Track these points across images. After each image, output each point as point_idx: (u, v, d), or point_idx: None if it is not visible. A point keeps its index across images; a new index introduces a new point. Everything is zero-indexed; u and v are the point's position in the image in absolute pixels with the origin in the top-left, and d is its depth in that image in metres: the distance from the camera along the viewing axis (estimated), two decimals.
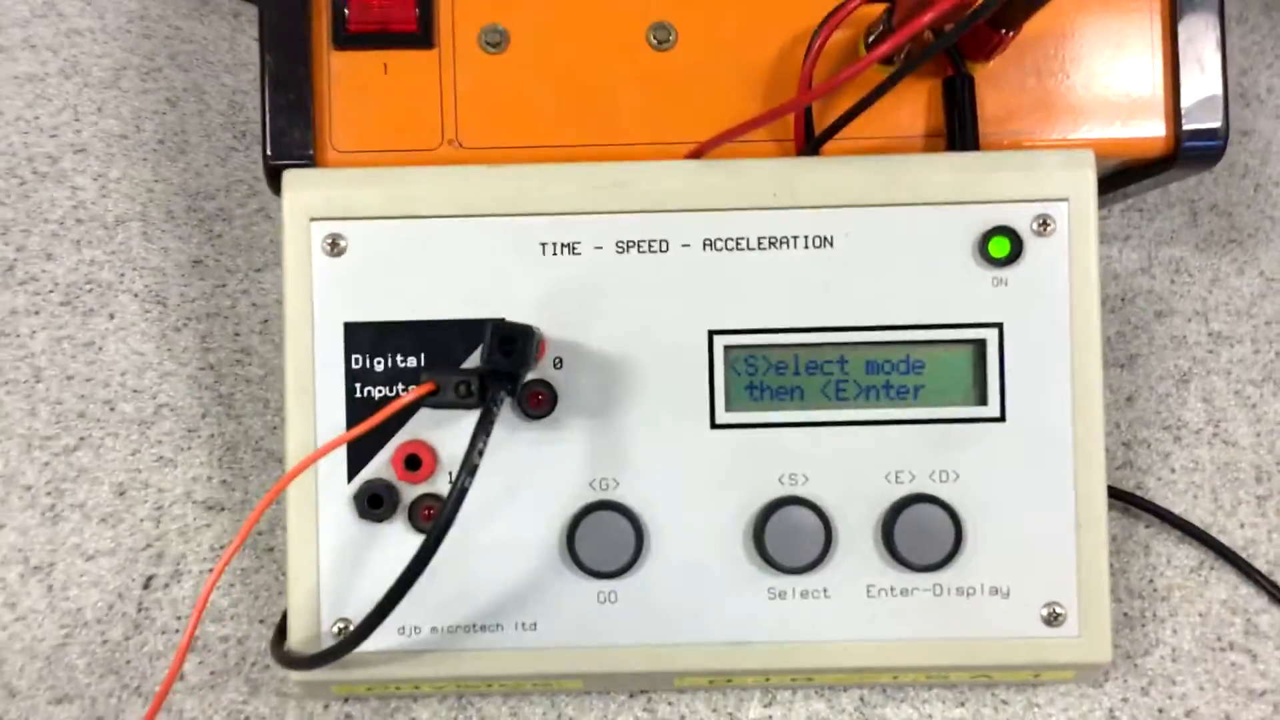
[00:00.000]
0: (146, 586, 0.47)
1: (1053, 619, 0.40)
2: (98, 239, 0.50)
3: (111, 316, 0.49)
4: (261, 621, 0.47)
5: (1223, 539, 0.49)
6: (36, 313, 0.49)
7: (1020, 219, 0.40)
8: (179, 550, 0.48)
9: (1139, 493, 0.49)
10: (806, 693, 0.46)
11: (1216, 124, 0.42)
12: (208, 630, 0.47)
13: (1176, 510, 0.49)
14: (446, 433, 0.40)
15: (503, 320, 0.36)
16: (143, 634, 0.47)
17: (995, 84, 0.44)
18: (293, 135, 0.42)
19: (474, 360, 0.40)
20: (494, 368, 0.35)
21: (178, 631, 0.47)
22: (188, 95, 0.51)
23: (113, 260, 0.49)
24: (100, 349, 0.49)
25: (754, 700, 0.46)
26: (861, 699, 0.46)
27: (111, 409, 0.49)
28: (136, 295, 0.49)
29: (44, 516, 0.48)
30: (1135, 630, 0.47)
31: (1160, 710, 0.47)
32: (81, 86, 0.50)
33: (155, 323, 0.49)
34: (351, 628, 0.40)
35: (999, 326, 0.40)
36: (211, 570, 0.47)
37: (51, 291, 0.49)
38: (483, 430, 0.34)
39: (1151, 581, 0.49)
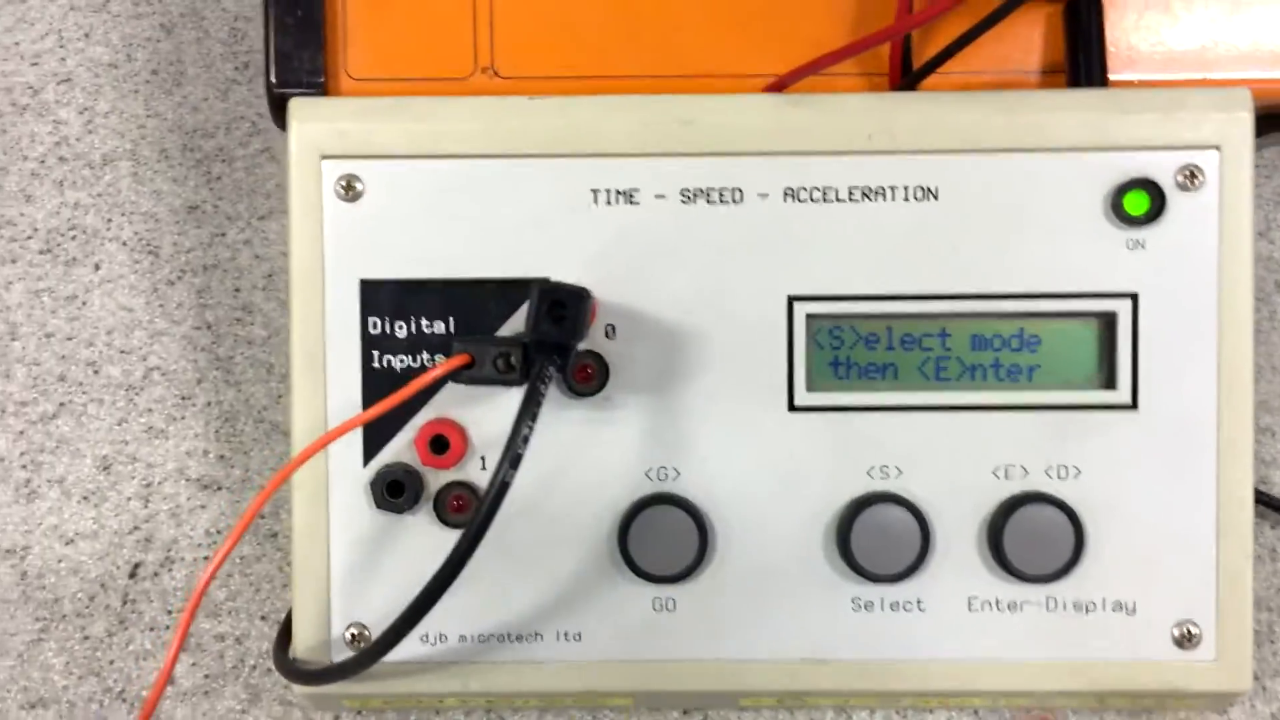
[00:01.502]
0: (133, 575, 0.43)
1: (1185, 640, 0.35)
2: (83, 180, 0.46)
3: (97, 267, 0.45)
4: (263, 618, 0.43)
5: None
6: (13, 261, 0.46)
7: (1162, 170, 0.35)
8: (170, 534, 0.43)
9: (1263, 488, 0.44)
10: (887, 715, 0.41)
11: None
12: (201, 627, 0.43)
13: None
14: (479, 410, 0.35)
15: (551, 281, 0.30)
16: (128, 630, 0.43)
17: (1125, 11, 0.38)
18: (301, 59, 0.38)
19: (511, 327, 0.35)
20: (541, 338, 0.29)
21: (168, 628, 0.43)
22: (185, 21, 0.48)
23: (99, 204, 0.46)
24: (84, 303, 0.45)
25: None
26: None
27: (95, 372, 0.45)
28: (125, 244, 0.46)
29: (18, 493, 0.44)
30: (1263, 647, 0.42)
31: None
32: (67, 10, 0.47)
33: (146, 275, 0.45)
34: (367, 634, 0.35)
35: (1133, 297, 0.35)
36: (207, 559, 0.42)
37: (30, 238, 0.46)
38: (528, 412, 0.29)
39: None
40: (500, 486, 0.29)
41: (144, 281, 0.45)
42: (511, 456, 0.29)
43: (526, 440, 0.29)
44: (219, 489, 0.44)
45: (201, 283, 0.45)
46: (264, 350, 0.45)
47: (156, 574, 0.43)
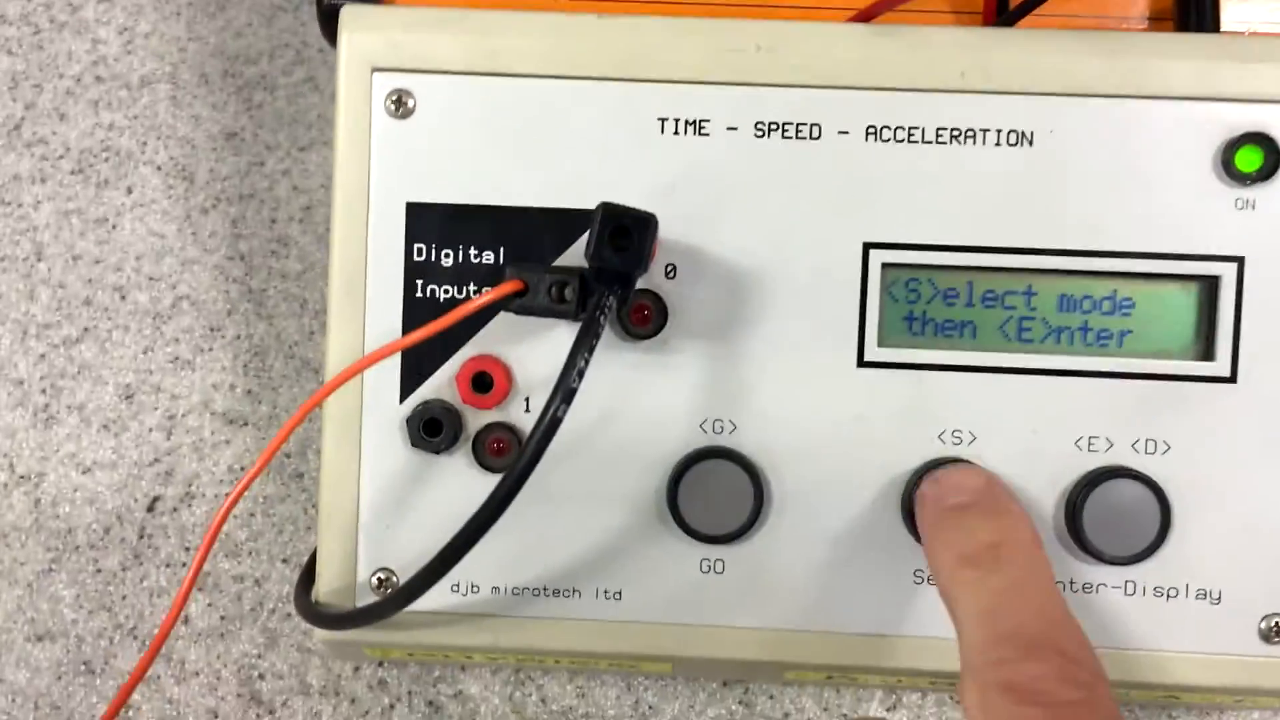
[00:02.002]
0: (151, 509, 0.42)
1: (1273, 634, 0.33)
2: (119, 101, 0.44)
3: (129, 190, 0.44)
4: (284, 561, 0.41)
5: None
6: (43, 180, 0.44)
7: (1279, 125, 0.32)
8: (191, 469, 0.42)
9: None
10: (940, 698, 0.39)
11: None
12: (220, 566, 0.41)
13: None
14: (525, 348, 0.33)
15: (616, 204, 0.28)
16: (143, 565, 0.41)
17: None
18: None
19: (565, 261, 0.33)
20: (602, 264, 0.27)
21: (184, 565, 0.41)
22: None
23: (134, 126, 0.44)
24: (114, 227, 0.44)
25: (874, 701, 0.39)
26: None
27: (122, 297, 0.43)
28: (159, 168, 0.44)
29: (35, 417, 0.42)
30: None
31: None
32: None
33: (179, 201, 0.44)
34: (394, 580, 0.33)
35: (1239, 261, 0.33)
36: (227, 495, 0.40)
37: (62, 157, 0.44)
38: (585, 344, 0.26)
39: None
40: (551, 422, 0.26)
41: (177, 208, 0.43)
42: (565, 391, 0.26)
43: (582, 374, 0.27)
44: (245, 425, 0.42)
45: (237, 212, 0.43)
46: (298, 284, 0.43)
47: (175, 509, 0.41)
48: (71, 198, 0.44)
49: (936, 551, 0.29)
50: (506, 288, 0.28)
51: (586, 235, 0.29)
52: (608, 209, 0.27)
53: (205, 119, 0.44)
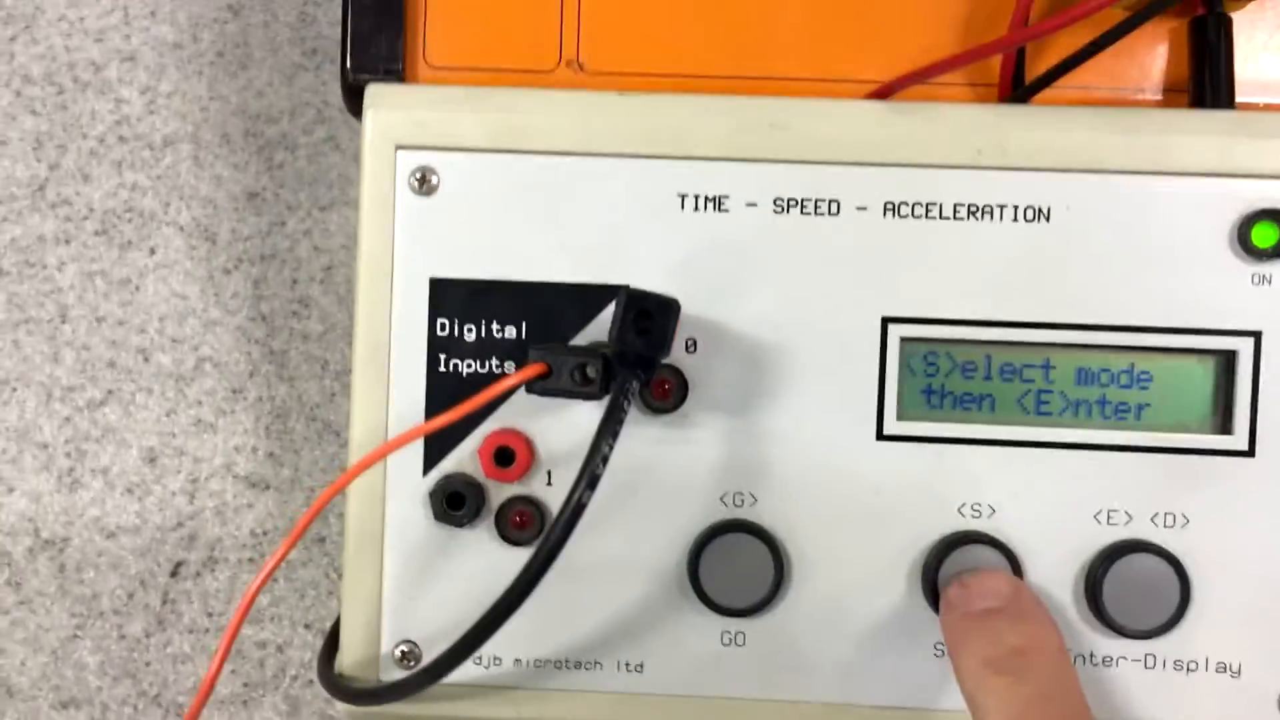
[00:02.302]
0: (174, 574, 0.42)
1: None
2: (142, 161, 0.45)
3: (152, 251, 0.44)
4: (307, 626, 0.41)
5: None
6: (67, 241, 0.44)
7: None
8: (214, 533, 0.42)
9: None
10: None
11: None
12: (243, 633, 0.41)
13: None
14: (547, 421, 0.33)
15: (639, 289, 0.28)
16: (166, 631, 0.41)
17: (1256, 30, 0.35)
18: (379, 45, 0.35)
19: (587, 335, 0.33)
20: (625, 349, 0.27)
21: (207, 631, 0.41)
22: (253, 3, 0.46)
23: (157, 186, 0.45)
24: (137, 288, 0.44)
25: None
26: None
27: (146, 359, 0.43)
28: (182, 228, 0.44)
29: (60, 481, 0.43)
30: None
31: None
32: None
33: (202, 262, 0.44)
34: (417, 652, 0.34)
35: (1256, 336, 0.33)
36: (252, 561, 0.40)
37: (85, 218, 0.45)
38: (609, 430, 0.27)
39: None
40: (576, 508, 0.27)
41: (200, 268, 0.44)
42: (590, 476, 0.27)
43: (606, 460, 0.27)
44: (267, 488, 0.42)
45: (258, 273, 0.44)
46: (319, 345, 0.43)
47: (199, 574, 0.41)
48: (95, 259, 0.44)
49: (963, 656, 0.29)
50: (530, 371, 0.28)
51: (610, 315, 0.29)
52: (631, 294, 0.28)
53: (227, 179, 0.45)
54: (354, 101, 0.35)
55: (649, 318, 0.28)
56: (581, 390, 0.28)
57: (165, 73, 0.45)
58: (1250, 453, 0.33)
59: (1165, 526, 0.33)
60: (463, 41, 0.36)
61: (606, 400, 0.28)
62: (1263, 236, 0.32)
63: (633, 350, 0.28)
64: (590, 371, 0.28)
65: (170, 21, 0.46)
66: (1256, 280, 0.32)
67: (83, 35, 0.46)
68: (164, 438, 0.42)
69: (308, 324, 0.43)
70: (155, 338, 0.43)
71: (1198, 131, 0.33)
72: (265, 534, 0.42)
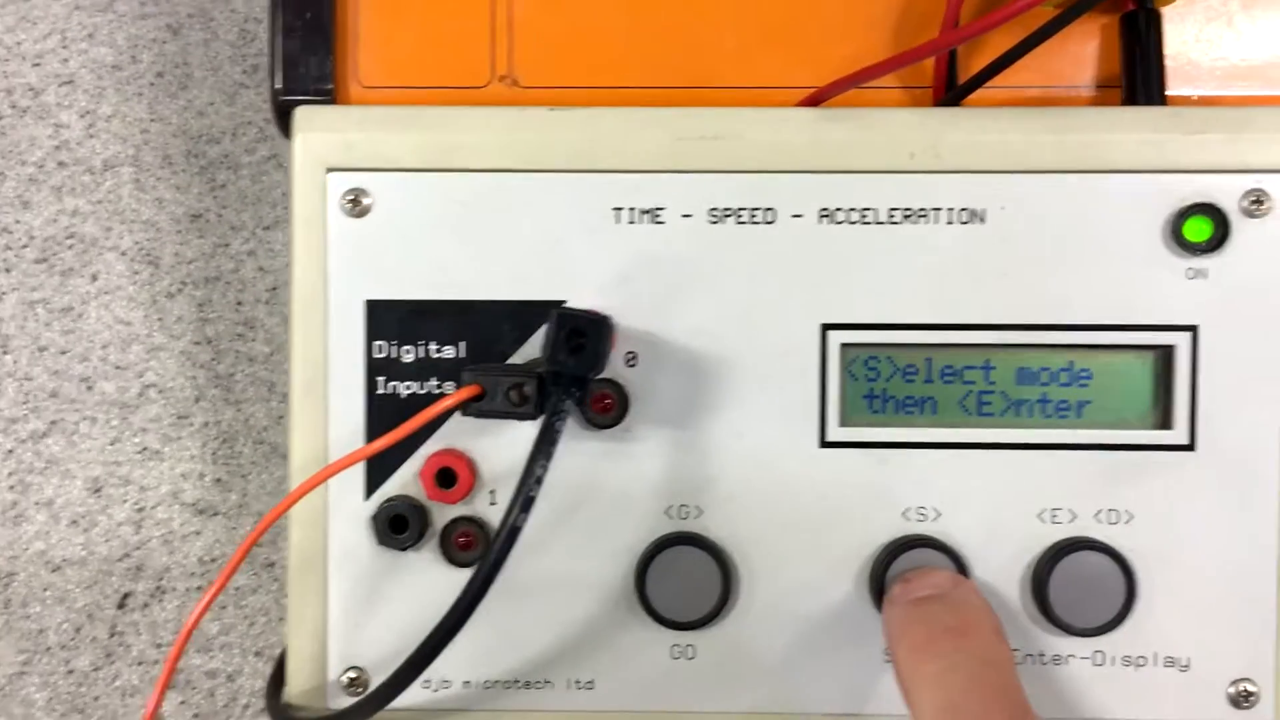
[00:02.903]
0: (122, 606, 0.42)
1: (1242, 700, 0.33)
2: (82, 186, 0.45)
3: (94, 278, 0.44)
4: (257, 654, 0.40)
5: None
6: (7, 271, 0.44)
7: (1226, 195, 0.33)
8: (162, 563, 0.41)
9: None
10: None
11: None
12: (192, 663, 0.40)
13: None
14: (489, 441, 0.33)
15: (570, 308, 0.28)
16: (115, 664, 0.41)
17: (1185, 24, 0.35)
18: (308, 65, 0.35)
19: (526, 353, 0.33)
20: (558, 369, 0.27)
21: (156, 663, 0.41)
22: (192, 21, 0.46)
23: (98, 211, 0.44)
24: (79, 316, 0.44)
25: None
26: None
27: (89, 388, 0.43)
28: (124, 253, 0.44)
29: (4, 516, 0.42)
30: None
31: None
32: (72, 9, 0.46)
33: (145, 286, 0.44)
34: (365, 678, 0.33)
35: (1193, 330, 0.33)
36: (200, 590, 0.40)
37: (25, 246, 0.44)
38: (542, 452, 0.26)
39: None
40: (511, 532, 0.26)
41: (143, 293, 0.43)
42: (523, 500, 0.26)
43: (540, 481, 0.27)
44: (215, 514, 0.42)
45: (203, 295, 0.43)
46: (266, 368, 0.43)
47: (146, 605, 0.41)
48: (36, 287, 0.43)
49: (899, 643, 0.29)
50: (464, 393, 0.28)
51: (544, 336, 0.29)
52: (562, 313, 0.28)
53: (169, 201, 0.44)
54: (285, 123, 0.35)
55: (581, 335, 0.27)
56: (517, 411, 0.28)
57: (105, 95, 0.45)
58: (1191, 447, 0.33)
59: (1109, 523, 0.33)
60: (395, 60, 0.35)
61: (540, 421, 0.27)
62: (1196, 231, 0.32)
63: (566, 369, 0.27)
64: (525, 391, 0.28)
65: (109, 43, 0.45)
66: (1191, 274, 0.33)
67: (20, 60, 0.45)
68: (109, 467, 0.42)
69: (254, 346, 0.43)
70: (99, 365, 0.43)
71: (1128, 129, 0.33)
72: (213, 561, 0.41)
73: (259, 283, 0.43)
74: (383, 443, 0.29)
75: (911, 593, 0.31)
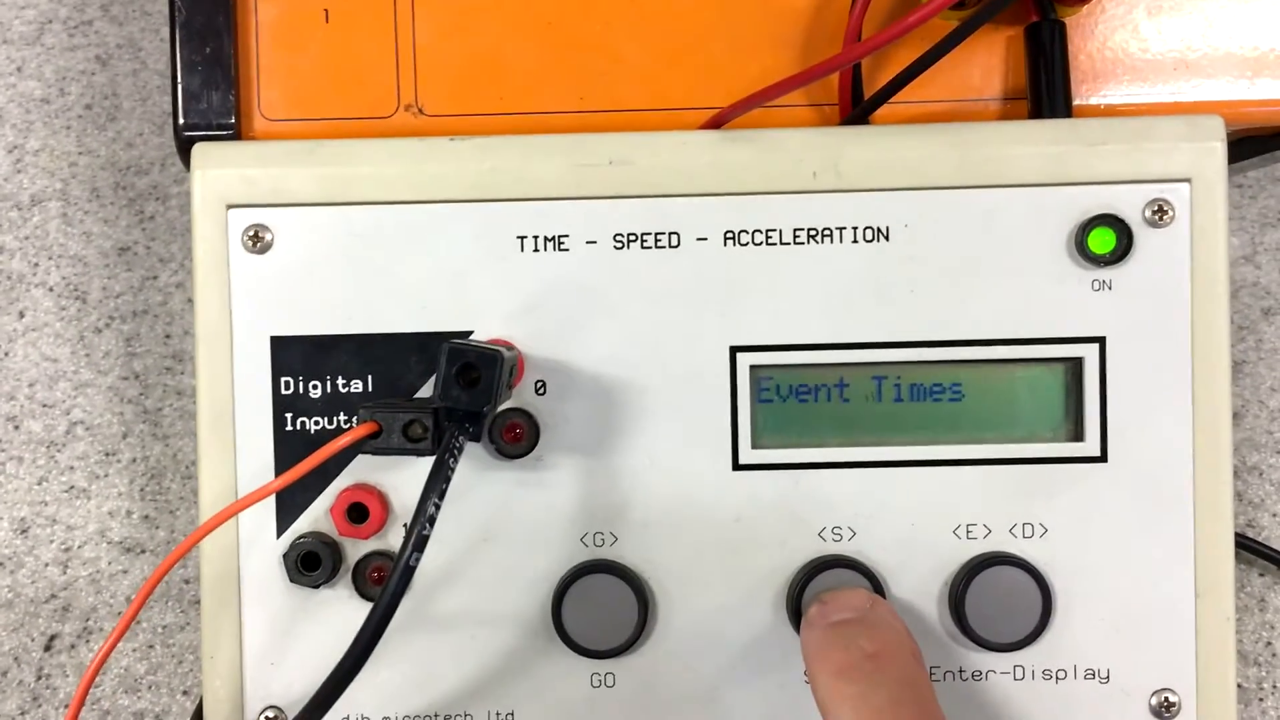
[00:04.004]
0: (49, 648, 0.41)
1: (1164, 710, 0.33)
2: (9, 222, 0.44)
3: (20, 315, 0.43)
4: (185, 693, 0.40)
5: None
6: None
7: (1129, 205, 0.33)
8: (89, 602, 0.41)
9: (1250, 532, 0.41)
10: None
11: None
12: (120, 704, 0.40)
13: None
14: (401, 475, 0.33)
15: (462, 341, 0.28)
16: (42, 708, 0.41)
17: (1090, 34, 0.35)
18: (210, 99, 0.35)
19: (433, 387, 0.32)
20: (451, 404, 0.27)
21: (85, 706, 0.39)
22: (121, 52, 0.46)
23: (25, 248, 0.44)
24: (6, 354, 0.43)
25: None
26: None
27: (15, 427, 0.42)
28: (52, 289, 0.44)
29: None
30: (1251, 707, 0.40)
31: None
32: None
33: (72, 322, 0.43)
34: (282, 717, 0.33)
35: (1100, 341, 0.33)
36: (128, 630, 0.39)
37: None
38: (434, 489, 0.26)
39: (1270, 644, 0.41)
40: (404, 570, 0.26)
41: (70, 329, 0.43)
42: (417, 539, 0.26)
43: (433, 520, 0.27)
44: (143, 552, 0.41)
45: (131, 329, 0.43)
46: (194, 402, 0.42)
47: (74, 646, 0.41)
48: None
49: (818, 667, 0.29)
50: (360, 431, 0.28)
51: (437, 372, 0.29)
52: (453, 348, 0.27)
53: (97, 235, 0.44)
54: (187, 157, 0.35)
55: (472, 370, 0.27)
56: (414, 447, 0.28)
57: (32, 129, 0.45)
58: (1103, 458, 0.33)
59: (1025, 537, 0.33)
60: (299, 92, 0.35)
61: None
62: (1100, 242, 0.32)
63: (459, 405, 0.27)
64: (422, 428, 0.28)
65: (37, 76, 0.45)
66: (1097, 286, 0.32)
67: None
68: (35, 507, 0.42)
69: (182, 379, 0.43)
70: (25, 404, 0.42)
71: (1030, 142, 0.33)
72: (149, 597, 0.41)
73: (187, 315, 0.43)
74: (280, 482, 0.29)
75: (828, 615, 0.31)
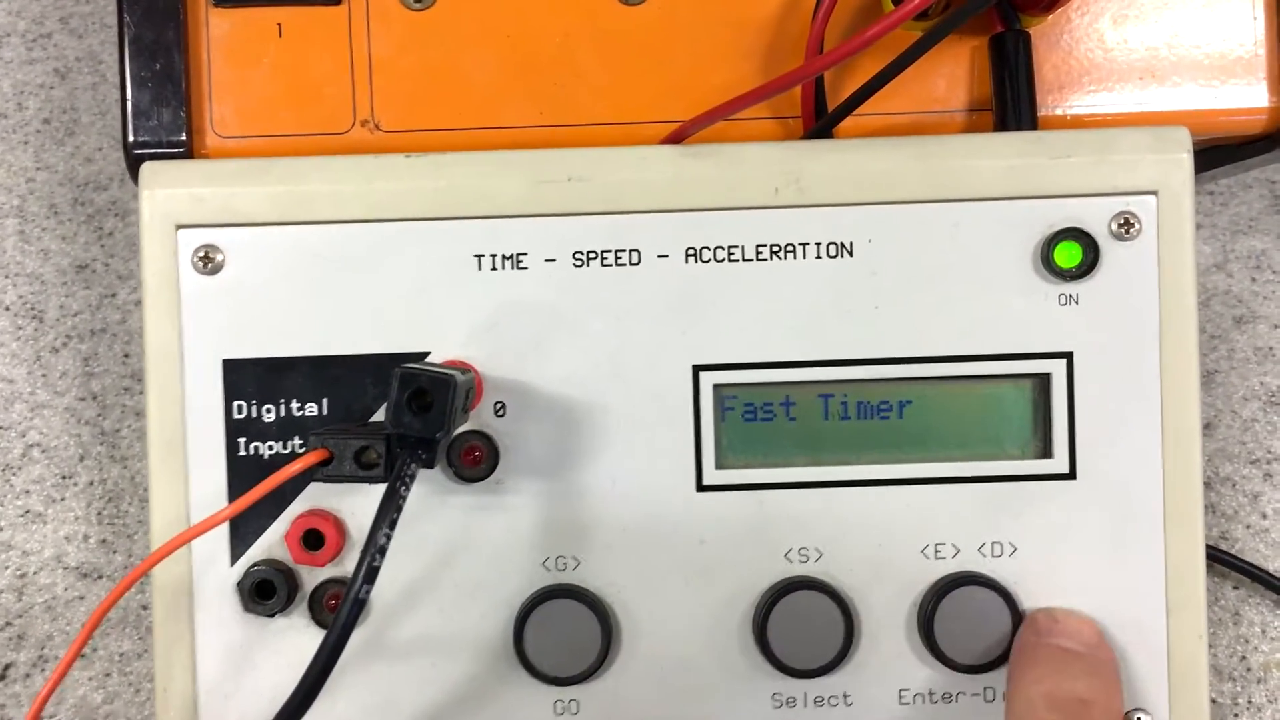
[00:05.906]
0: (3, 677, 0.40)
1: None
2: None
3: None
4: None
5: None
6: None
7: (1095, 219, 0.32)
8: (45, 630, 0.40)
9: (1223, 545, 0.41)
10: None
11: None
12: None
13: (1271, 566, 0.40)
14: (356, 500, 0.32)
15: (415, 365, 0.27)
16: None
17: (1056, 44, 0.35)
18: (160, 116, 0.34)
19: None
20: (403, 431, 0.26)
21: None
22: (81, 65, 0.45)
23: None
24: None
25: None
26: None
27: None
28: (8, 308, 0.43)
29: None
30: None
31: None
32: None
33: (28, 342, 0.42)
34: None
35: (1068, 357, 0.32)
36: (84, 657, 0.38)
37: None
38: (385, 519, 0.26)
39: (1244, 658, 0.40)
40: (355, 603, 0.25)
41: (26, 349, 0.42)
42: (368, 570, 0.25)
43: (384, 551, 0.26)
44: (99, 578, 0.40)
45: (88, 349, 0.42)
46: None
47: (29, 675, 0.40)
48: None
49: (1026, 681, 0.29)
50: (310, 458, 0.27)
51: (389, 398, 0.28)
52: (405, 373, 0.27)
53: (55, 252, 0.43)
54: (138, 177, 0.34)
55: (424, 395, 0.27)
56: (366, 475, 0.27)
57: None
58: (1072, 475, 0.32)
59: (994, 556, 0.32)
60: (252, 108, 0.34)
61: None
62: (1066, 256, 0.32)
63: (411, 431, 0.26)
64: (374, 455, 0.27)
65: None
66: (1064, 300, 0.32)
67: None
68: None
69: (141, 400, 0.42)
70: None
71: (994, 154, 0.32)
72: (98, 627, 0.40)
73: None
74: (231, 510, 0.28)
75: (1055, 635, 0.31)
